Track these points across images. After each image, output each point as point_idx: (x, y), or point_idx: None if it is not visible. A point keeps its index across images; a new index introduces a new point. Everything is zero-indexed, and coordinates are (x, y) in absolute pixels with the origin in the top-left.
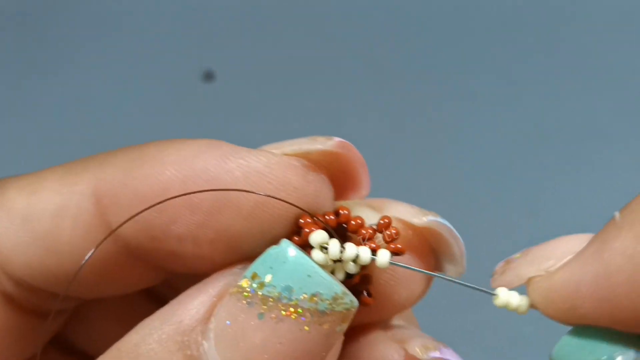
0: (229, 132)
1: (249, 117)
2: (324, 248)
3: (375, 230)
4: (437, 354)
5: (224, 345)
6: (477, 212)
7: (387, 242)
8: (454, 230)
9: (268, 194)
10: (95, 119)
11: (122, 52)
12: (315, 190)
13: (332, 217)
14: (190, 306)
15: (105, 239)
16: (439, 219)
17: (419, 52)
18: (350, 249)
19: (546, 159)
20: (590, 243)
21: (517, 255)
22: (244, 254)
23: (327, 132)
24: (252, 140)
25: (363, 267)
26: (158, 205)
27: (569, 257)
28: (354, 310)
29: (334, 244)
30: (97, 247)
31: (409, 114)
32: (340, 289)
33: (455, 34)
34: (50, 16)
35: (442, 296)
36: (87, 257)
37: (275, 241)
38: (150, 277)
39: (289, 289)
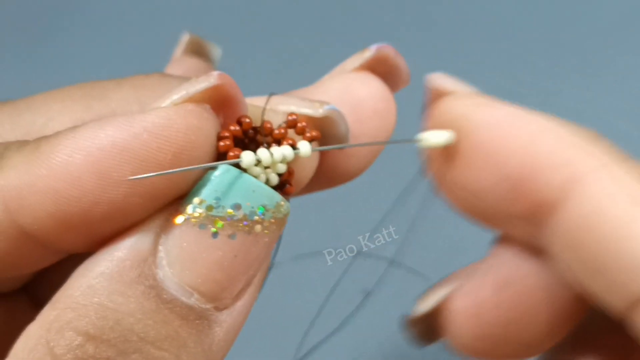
0: None
1: None
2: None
3: (286, 128)
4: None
5: (180, 268)
6: None
7: (299, 135)
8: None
9: (181, 144)
10: None
11: (122, 52)
12: (213, 126)
13: (237, 127)
14: (129, 243)
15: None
16: (333, 107)
17: (421, 49)
18: (277, 151)
19: None
20: None
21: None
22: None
23: None
24: None
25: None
26: (72, 200)
27: None
28: (289, 213)
29: (263, 153)
30: None
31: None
32: (280, 197)
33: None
34: (50, 16)
35: None
36: None
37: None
38: (48, 258)
39: (237, 206)
